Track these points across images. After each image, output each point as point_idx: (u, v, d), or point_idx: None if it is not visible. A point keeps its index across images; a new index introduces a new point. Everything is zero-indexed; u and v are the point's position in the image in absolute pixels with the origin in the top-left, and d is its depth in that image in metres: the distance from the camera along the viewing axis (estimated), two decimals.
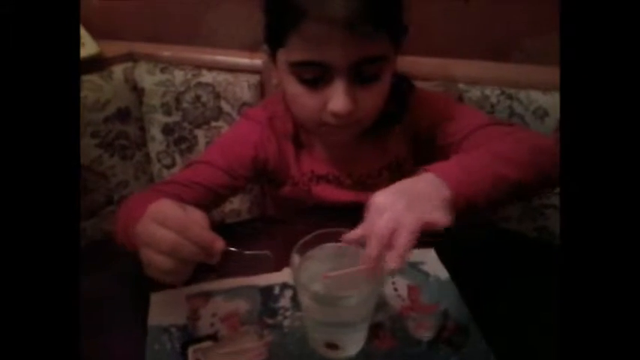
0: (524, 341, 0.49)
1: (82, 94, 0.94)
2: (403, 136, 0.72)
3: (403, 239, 0.42)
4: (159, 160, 1.09)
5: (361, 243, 0.45)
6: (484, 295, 0.54)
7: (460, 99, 0.88)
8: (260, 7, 0.60)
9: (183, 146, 1.06)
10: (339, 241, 0.47)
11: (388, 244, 0.42)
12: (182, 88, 1.01)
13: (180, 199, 0.61)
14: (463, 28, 0.89)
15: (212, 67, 0.99)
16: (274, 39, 0.60)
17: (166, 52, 1.03)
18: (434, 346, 0.48)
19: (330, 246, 0.48)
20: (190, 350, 0.49)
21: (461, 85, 0.89)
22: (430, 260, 0.59)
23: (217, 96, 0.99)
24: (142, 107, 1.05)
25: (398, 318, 0.52)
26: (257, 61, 0.95)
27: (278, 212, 0.88)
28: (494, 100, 0.87)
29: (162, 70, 1.01)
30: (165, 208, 0.45)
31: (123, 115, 1.02)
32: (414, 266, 0.58)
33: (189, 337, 0.50)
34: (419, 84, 0.74)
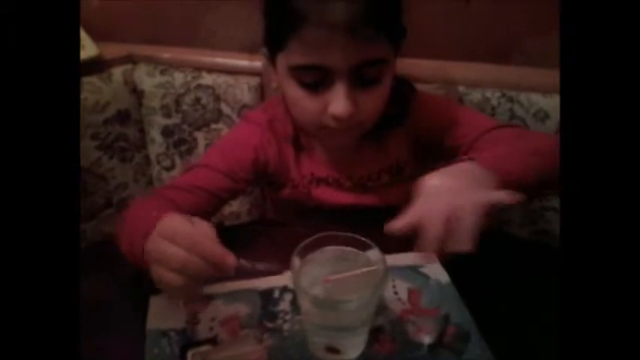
0: (525, 345, 0.49)
1: (82, 96, 0.94)
2: (404, 138, 0.72)
3: (470, 220, 0.41)
4: (158, 163, 1.09)
5: (412, 228, 0.42)
6: (485, 298, 0.54)
7: (460, 102, 0.88)
8: (259, 11, 0.60)
9: (183, 148, 1.06)
10: (340, 245, 0.47)
11: (449, 228, 0.41)
12: (182, 90, 1.00)
13: (183, 205, 0.60)
14: (463, 31, 0.89)
15: (212, 69, 0.99)
16: (274, 43, 0.60)
17: (166, 54, 1.02)
18: (434, 351, 0.48)
19: (331, 249, 0.47)
20: (189, 354, 0.48)
21: (461, 88, 0.89)
22: (431, 263, 0.59)
23: (217, 98, 0.99)
24: (141, 109, 1.04)
25: (398, 322, 0.51)
26: (257, 64, 0.95)
27: (278, 215, 0.88)
28: (494, 102, 0.87)
29: (162, 72, 1.01)
30: (174, 223, 0.45)
31: (122, 117, 1.02)
32: (415, 269, 0.58)
33: (188, 340, 0.50)
34: (419, 87, 0.74)
